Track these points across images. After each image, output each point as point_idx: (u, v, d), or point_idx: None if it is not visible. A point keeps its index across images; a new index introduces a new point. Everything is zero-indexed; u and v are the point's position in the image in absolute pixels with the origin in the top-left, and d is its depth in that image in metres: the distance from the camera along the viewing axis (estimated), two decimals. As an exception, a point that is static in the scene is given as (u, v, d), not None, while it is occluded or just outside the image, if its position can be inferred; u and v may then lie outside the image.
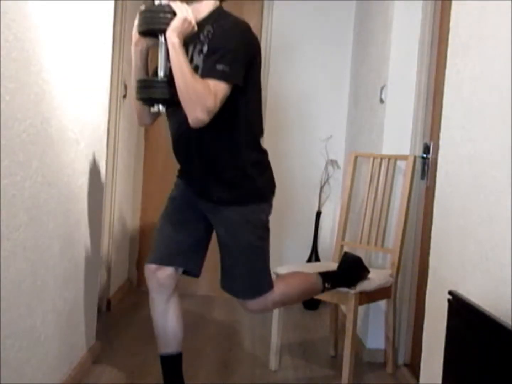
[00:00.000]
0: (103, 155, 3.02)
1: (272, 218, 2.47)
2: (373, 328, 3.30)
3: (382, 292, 2.98)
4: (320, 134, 4.51)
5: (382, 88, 3.36)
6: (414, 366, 3.01)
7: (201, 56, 2.24)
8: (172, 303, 2.45)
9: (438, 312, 2.15)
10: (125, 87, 3.88)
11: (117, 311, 3.87)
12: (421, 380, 2.41)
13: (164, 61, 2.21)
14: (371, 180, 3.31)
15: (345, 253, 2.91)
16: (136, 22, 2.28)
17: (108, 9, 2.92)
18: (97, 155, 2.88)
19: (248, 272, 2.38)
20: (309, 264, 3.76)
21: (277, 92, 4.54)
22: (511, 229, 1.69)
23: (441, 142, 2.36)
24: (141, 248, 4.61)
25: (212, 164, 2.34)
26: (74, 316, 2.68)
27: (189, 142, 2.32)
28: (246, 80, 2.22)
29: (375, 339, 3.28)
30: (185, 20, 2.14)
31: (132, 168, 4.40)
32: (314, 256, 4.38)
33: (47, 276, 2.28)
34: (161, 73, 2.21)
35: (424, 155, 3.05)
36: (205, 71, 2.16)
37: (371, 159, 3.32)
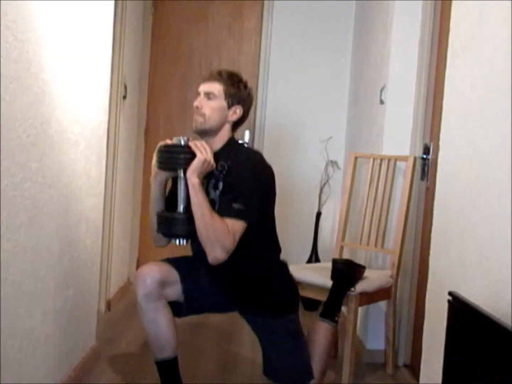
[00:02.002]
0: (103, 156, 3.02)
1: (272, 219, 2.48)
2: (373, 329, 3.29)
3: (382, 293, 2.98)
4: (320, 135, 4.51)
5: (382, 89, 3.36)
6: (414, 367, 3.00)
7: (217, 191, 2.34)
8: (162, 309, 2.37)
9: (438, 313, 2.15)
10: (125, 87, 3.88)
11: (117, 312, 3.87)
12: (421, 381, 2.41)
13: (183, 195, 2.29)
14: (371, 181, 3.31)
15: (333, 260, 2.91)
16: (155, 157, 2.35)
17: (108, 9, 2.92)
18: (97, 156, 2.87)
19: (286, 366, 2.48)
20: (310, 265, 3.76)
21: (277, 93, 4.54)
22: (511, 230, 1.69)
23: (441, 143, 2.36)
24: (141, 248, 4.61)
25: (231, 286, 2.44)
26: (74, 317, 2.68)
27: (207, 264, 2.32)
28: (261, 212, 2.31)
29: (375, 340, 3.28)
30: (204, 161, 2.23)
31: (132, 168, 4.39)
32: (314, 256, 4.38)
33: (47, 277, 2.28)
34: (180, 208, 2.30)
35: (424, 156, 3.05)
36: (222, 210, 2.26)
37: (371, 160, 3.32)
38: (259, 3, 4.55)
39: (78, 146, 2.57)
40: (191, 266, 2.48)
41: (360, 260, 2.98)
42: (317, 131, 4.54)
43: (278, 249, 2.53)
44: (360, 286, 2.78)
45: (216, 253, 2.21)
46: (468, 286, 1.94)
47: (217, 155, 2.34)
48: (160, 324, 2.38)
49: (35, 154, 2.07)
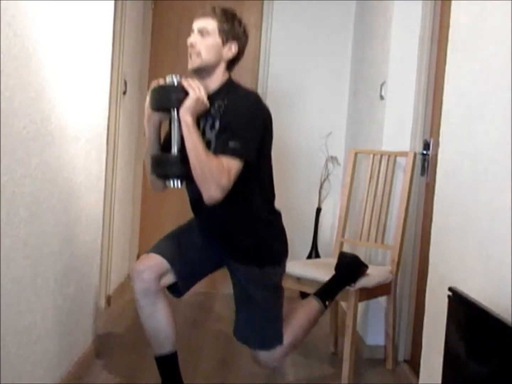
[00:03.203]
0: (103, 152, 3.02)
1: (272, 215, 2.48)
2: (373, 324, 3.30)
3: (382, 289, 2.98)
4: (320, 131, 4.51)
5: (382, 85, 3.36)
6: (414, 363, 3.01)
7: (214, 131, 2.28)
8: (160, 305, 2.41)
9: (438, 309, 2.15)
10: (125, 83, 3.87)
11: (117, 308, 3.87)
12: (421, 376, 2.41)
13: (177, 136, 2.25)
14: (371, 177, 3.31)
15: (341, 253, 2.91)
16: (148, 98, 2.31)
17: (108, 5, 2.92)
18: (97, 152, 2.87)
19: (259, 325, 2.45)
20: (310, 261, 3.76)
21: (277, 89, 4.54)
22: (511, 225, 1.69)
23: (441, 139, 2.36)
24: (141, 243, 4.62)
25: (227, 231, 2.43)
26: (74, 313, 2.68)
27: (204, 209, 2.35)
28: (258, 152, 2.26)
29: (375, 336, 3.29)
30: (197, 99, 2.19)
31: (132, 165, 4.39)
32: (314, 252, 4.38)
33: (47, 273, 2.29)
34: (174, 149, 2.26)
35: (424, 152, 3.05)
36: (218, 148, 2.21)
37: (371, 156, 3.32)
38: (259, 2, 4.55)
39: (78, 142, 2.57)
40: (182, 238, 2.50)
41: (360, 255, 2.97)
42: (317, 127, 4.54)
43: (273, 196, 2.49)
44: (360, 282, 2.78)
45: (211, 191, 2.15)
46: (468, 281, 1.94)
47: (214, 95, 2.30)
48: (158, 319, 2.41)
49: (35, 150, 2.07)
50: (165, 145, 2.37)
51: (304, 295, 4.17)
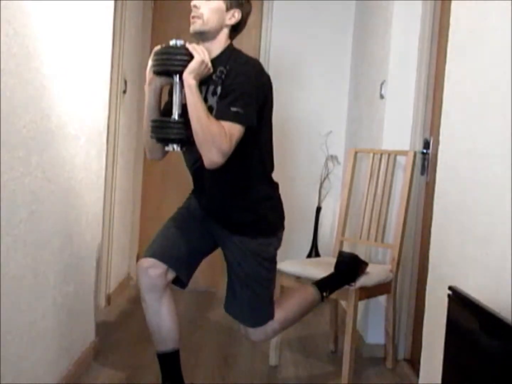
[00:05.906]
0: (103, 151, 3.02)
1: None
2: (373, 323, 3.30)
3: (382, 288, 2.98)
4: (320, 130, 4.51)
5: (382, 84, 3.36)
6: (414, 361, 3.01)
7: (215, 97, 2.28)
8: (165, 301, 2.41)
9: (438, 307, 2.15)
10: (125, 82, 3.87)
11: (117, 307, 3.87)
12: (421, 375, 2.42)
13: (179, 101, 2.25)
14: (371, 176, 3.31)
15: (340, 252, 2.91)
16: (150, 62, 2.31)
17: (108, 4, 2.92)
18: (97, 151, 2.87)
19: (251, 302, 2.45)
20: (309, 260, 3.76)
21: (277, 88, 4.52)
22: (510, 224, 1.69)
23: (441, 138, 2.36)
24: (141, 243, 4.61)
25: (224, 201, 2.41)
26: (74, 312, 2.68)
27: (203, 178, 2.37)
28: (259, 119, 2.26)
29: (375, 334, 3.29)
30: (202, 62, 2.19)
31: (132, 163, 4.39)
32: (314, 251, 4.38)
33: (47, 272, 2.29)
34: (176, 114, 2.26)
35: (424, 151, 3.05)
36: (219, 113, 2.20)
37: (371, 155, 3.32)
38: (259, 2, 4.54)
39: (78, 140, 2.57)
40: (176, 230, 2.48)
41: (360, 254, 2.98)
42: (317, 125, 4.54)
43: (272, 166, 2.48)
44: (360, 281, 2.78)
45: (212, 155, 2.15)
46: (468, 280, 1.95)
47: (215, 61, 2.30)
48: (163, 316, 2.42)
49: (35, 148, 2.07)
50: (165, 113, 2.37)
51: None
